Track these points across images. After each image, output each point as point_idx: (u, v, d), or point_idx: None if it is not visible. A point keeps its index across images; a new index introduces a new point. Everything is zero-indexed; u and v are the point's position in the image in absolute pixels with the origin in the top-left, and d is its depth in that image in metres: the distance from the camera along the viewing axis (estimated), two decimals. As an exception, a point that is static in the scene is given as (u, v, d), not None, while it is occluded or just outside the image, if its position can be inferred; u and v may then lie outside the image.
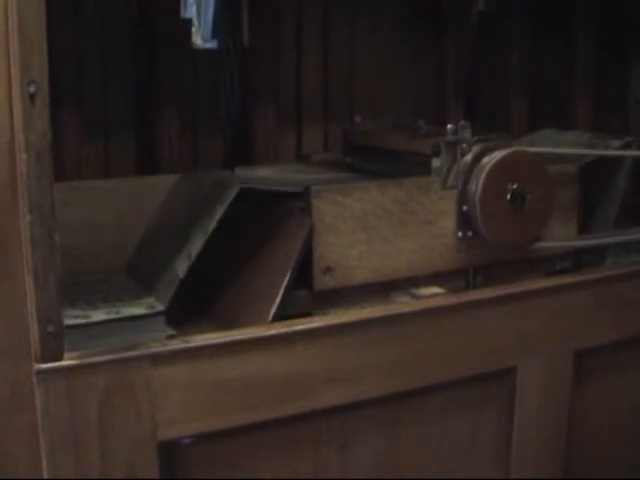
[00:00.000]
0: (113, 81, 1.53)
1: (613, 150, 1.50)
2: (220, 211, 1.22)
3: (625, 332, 1.42)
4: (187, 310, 1.26)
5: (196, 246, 1.23)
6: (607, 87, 2.03)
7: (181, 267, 1.23)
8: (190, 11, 1.67)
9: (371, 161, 1.50)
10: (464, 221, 1.32)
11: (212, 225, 1.22)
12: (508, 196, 1.31)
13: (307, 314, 1.23)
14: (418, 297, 1.29)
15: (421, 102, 1.82)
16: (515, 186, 1.31)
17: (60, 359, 1.00)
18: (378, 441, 1.25)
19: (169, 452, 1.08)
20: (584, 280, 1.38)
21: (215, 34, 1.72)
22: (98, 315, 1.18)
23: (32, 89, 0.93)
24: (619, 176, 1.53)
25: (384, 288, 1.30)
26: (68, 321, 1.07)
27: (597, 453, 1.47)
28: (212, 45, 1.73)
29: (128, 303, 1.23)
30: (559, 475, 1.39)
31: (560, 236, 1.42)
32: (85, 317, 1.17)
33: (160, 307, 1.20)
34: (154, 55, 1.55)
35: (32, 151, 0.94)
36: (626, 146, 1.51)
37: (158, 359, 1.04)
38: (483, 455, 1.34)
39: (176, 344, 1.06)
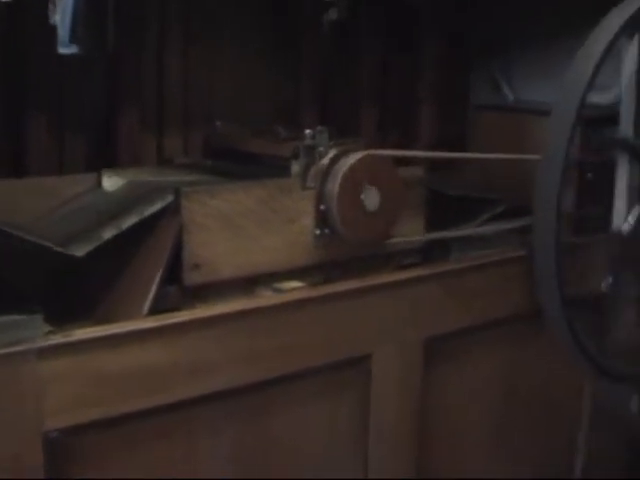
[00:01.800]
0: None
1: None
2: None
3: (471, 320, 1.55)
4: (67, 313, 1.28)
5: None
6: (450, 95, 2.16)
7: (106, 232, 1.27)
8: (55, 17, 1.69)
9: (232, 164, 1.57)
10: (322, 220, 1.41)
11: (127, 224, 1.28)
12: (362, 196, 1.40)
13: (177, 309, 1.28)
14: (281, 291, 1.37)
15: (277, 108, 1.90)
16: (368, 187, 1.40)
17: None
18: (245, 428, 1.33)
19: (53, 443, 1.12)
20: (432, 273, 1.50)
21: (74, 39, 1.75)
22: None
23: None
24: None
25: (249, 283, 1.38)
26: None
27: (449, 432, 1.59)
28: (70, 50, 1.75)
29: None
30: (413, 456, 1.50)
31: (409, 233, 1.53)
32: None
33: (36, 310, 1.23)
34: (24, 59, 1.58)
35: None
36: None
37: (43, 353, 1.09)
38: (343, 439, 1.44)
39: (59, 338, 1.11)
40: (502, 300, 1.60)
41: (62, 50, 1.59)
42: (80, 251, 1.24)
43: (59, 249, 1.24)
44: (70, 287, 1.31)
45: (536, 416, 1.76)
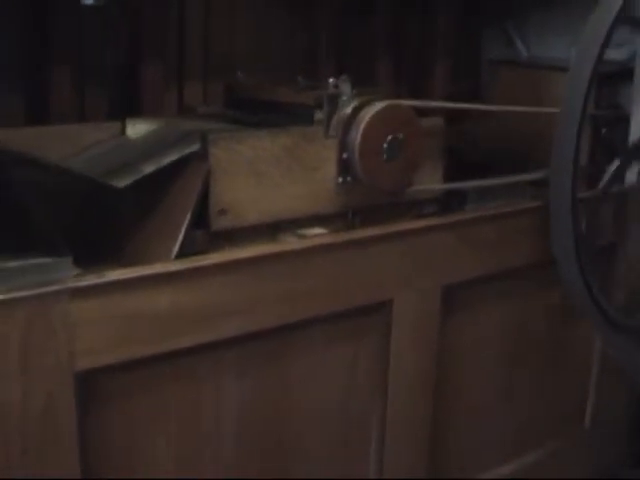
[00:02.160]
0: (2, 33, 1.55)
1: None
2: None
3: (486, 269, 1.57)
4: (94, 254, 1.31)
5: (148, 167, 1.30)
6: (463, 52, 2.18)
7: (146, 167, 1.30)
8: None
9: (254, 113, 1.58)
10: (344, 168, 1.44)
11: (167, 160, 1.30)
12: (384, 145, 1.43)
13: (204, 253, 1.31)
14: (303, 237, 1.40)
15: (294, 59, 1.92)
16: (390, 136, 1.42)
17: (-19, 296, 1.05)
18: (270, 370, 1.35)
19: (85, 381, 1.15)
20: (449, 222, 1.52)
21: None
22: (5, 262, 1.22)
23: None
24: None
25: (273, 229, 1.40)
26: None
27: (463, 377, 1.63)
28: (88, 1, 1.76)
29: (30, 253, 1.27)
30: (430, 398, 1.53)
31: (428, 182, 1.55)
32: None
33: (65, 253, 1.25)
34: (47, 9, 1.59)
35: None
36: None
37: (75, 293, 1.11)
38: (363, 381, 1.47)
39: (91, 279, 1.13)
40: (516, 250, 1.62)
41: (84, 1, 1.61)
42: (121, 183, 1.26)
43: (101, 180, 1.26)
44: (97, 228, 1.33)
45: (547, 364, 1.79)
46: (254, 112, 1.58)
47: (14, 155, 1.37)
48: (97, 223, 1.37)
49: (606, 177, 1.76)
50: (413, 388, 1.51)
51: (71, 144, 1.47)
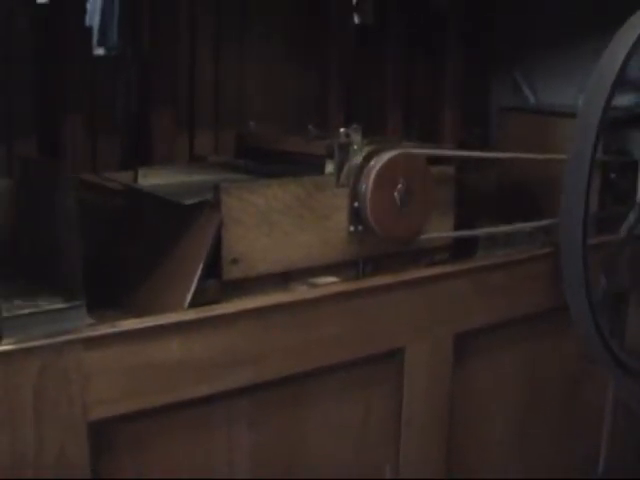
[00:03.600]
0: (17, 84, 1.57)
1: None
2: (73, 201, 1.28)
3: (498, 316, 1.57)
4: (99, 304, 1.32)
5: (74, 243, 1.28)
6: (472, 99, 2.19)
7: (75, 263, 1.27)
8: (91, 19, 1.73)
9: (264, 163, 1.60)
10: (355, 216, 1.44)
11: (74, 217, 1.27)
12: (395, 194, 1.43)
13: (216, 302, 1.31)
14: (315, 286, 1.40)
15: (305, 108, 1.93)
16: (401, 185, 1.43)
17: (-2, 344, 1.06)
18: (282, 419, 1.35)
19: (98, 432, 1.15)
20: (461, 269, 1.52)
21: (103, 42, 1.79)
22: (19, 309, 1.23)
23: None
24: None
25: (285, 278, 1.41)
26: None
27: (476, 425, 1.62)
28: (100, 52, 1.79)
29: (44, 298, 1.28)
30: (443, 446, 1.53)
31: (439, 230, 1.56)
32: (7, 310, 1.20)
33: (79, 300, 1.26)
34: (60, 60, 1.61)
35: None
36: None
37: (89, 343, 1.11)
38: (375, 431, 1.47)
39: (105, 328, 1.14)
40: (528, 297, 1.62)
41: (97, 51, 1.63)
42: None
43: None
44: (109, 273, 1.33)
45: (561, 411, 1.78)
46: (265, 162, 1.59)
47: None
48: (109, 268, 1.37)
49: (625, 227, 1.76)
50: (426, 436, 1.51)
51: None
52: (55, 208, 1.32)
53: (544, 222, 1.67)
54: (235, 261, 1.33)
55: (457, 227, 1.62)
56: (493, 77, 2.25)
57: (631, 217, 1.75)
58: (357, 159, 1.44)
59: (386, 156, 1.43)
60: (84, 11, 1.60)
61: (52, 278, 1.33)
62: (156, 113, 1.73)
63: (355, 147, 1.44)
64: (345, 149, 1.43)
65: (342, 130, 1.44)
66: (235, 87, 1.82)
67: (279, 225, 1.38)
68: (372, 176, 1.42)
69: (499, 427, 1.68)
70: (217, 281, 1.33)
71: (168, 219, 1.38)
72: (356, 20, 1.95)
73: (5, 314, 1.17)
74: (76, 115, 1.65)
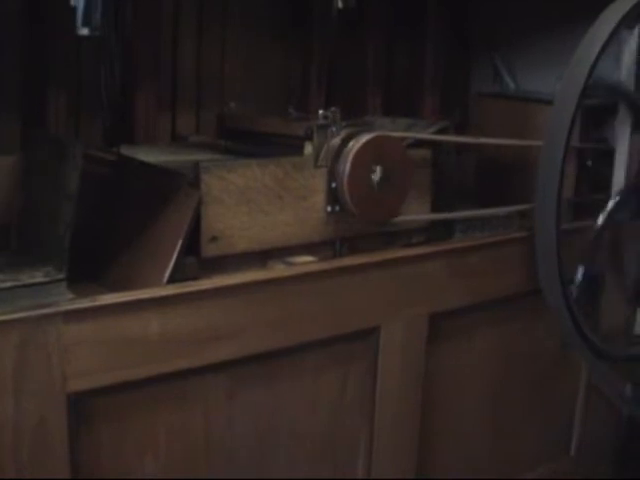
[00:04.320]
0: (2, 63, 1.58)
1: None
2: (76, 172, 1.31)
3: (472, 298, 1.60)
4: (78, 277, 1.34)
5: (69, 212, 1.31)
6: (452, 84, 2.22)
7: (64, 234, 1.31)
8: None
9: (244, 143, 1.62)
10: (333, 197, 1.47)
11: (74, 186, 1.31)
12: (372, 175, 1.46)
13: (194, 279, 1.33)
14: (292, 264, 1.43)
15: (285, 90, 1.95)
16: (379, 166, 1.46)
17: (-23, 318, 1.08)
18: (260, 393, 1.38)
19: (77, 404, 1.17)
20: (437, 251, 1.54)
21: (87, 22, 1.80)
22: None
23: None
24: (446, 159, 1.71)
25: (262, 257, 1.43)
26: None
27: (450, 404, 1.65)
28: (84, 32, 1.80)
29: (26, 272, 1.30)
30: (416, 422, 1.55)
31: (416, 212, 1.58)
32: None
33: (60, 274, 1.28)
34: (44, 39, 1.63)
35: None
36: (440, 131, 1.69)
37: (69, 316, 1.13)
38: (350, 407, 1.49)
39: (85, 302, 1.15)
40: (503, 279, 1.65)
41: (81, 31, 1.64)
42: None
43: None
44: (90, 249, 1.35)
45: (533, 392, 1.81)
46: (245, 142, 1.61)
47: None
48: (91, 241, 1.39)
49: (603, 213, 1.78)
50: (399, 413, 1.54)
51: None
52: (58, 182, 1.34)
53: (520, 207, 1.69)
54: (214, 239, 1.36)
55: (434, 211, 1.64)
56: (473, 63, 2.27)
57: (610, 204, 1.78)
58: (335, 141, 1.45)
59: (364, 138, 1.45)
60: (67, -10, 1.60)
61: (39, 252, 1.35)
62: (138, 93, 1.75)
63: (334, 129, 1.46)
64: (324, 131, 1.46)
65: (321, 112, 1.46)
66: (217, 68, 1.84)
67: (258, 204, 1.40)
68: (350, 157, 1.44)
69: (472, 406, 1.70)
70: (196, 258, 1.35)
71: (150, 194, 1.40)
72: (339, 4, 1.96)
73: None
74: (60, 94, 1.67)
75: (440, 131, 1.68)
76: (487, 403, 1.73)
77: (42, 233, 1.38)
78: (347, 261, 1.44)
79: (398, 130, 1.66)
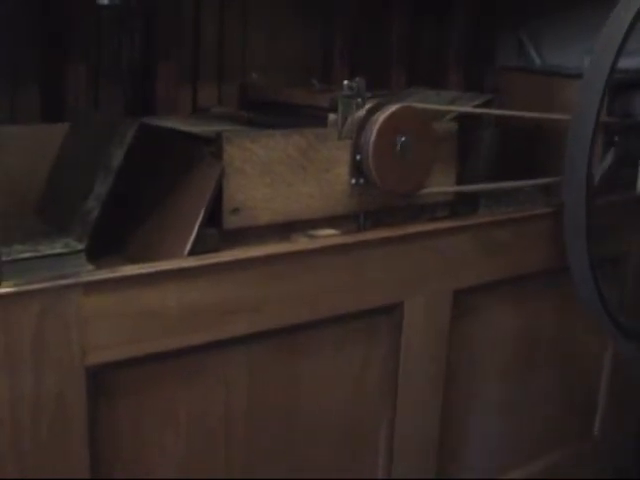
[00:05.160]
0: (23, 32, 1.56)
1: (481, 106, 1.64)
2: (122, 151, 1.31)
3: (498, 273, 1.57)
4: (100, 249, 1.32)
5: (105, 186, 1.30)
6: (477, 58, 2.18)
7: (94, 207, 1.30)
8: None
9: (267, 115, 1.59)
10: (357, 169, 1.44)
11: (117, 163, 1.30)
12: (397, 147, 1.43)
13: (216, 251, 1.31)
14: (315, 237, 1.40)
15: (308, 63, 1.93)
16: (403, 138, 1.43)
17: (-2, 287, 1.06)
18: (280, 368, 1.36)
19: (95, 377, 1.16)
20: (461, 225, 1.52)
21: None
22: (19, 253, 1.23)
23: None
24: (482, 133, 1.68)
25: (285, 229, 1.41)
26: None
27: (474, 381, 1.63)
28: (104, 1, 1.78)
29: (46, 243, 1.28)
30: (439, 400, 1.53)
31: (441, 185, 1.56)
32: (7, 254, 1.21)
33: (79, 246, 1.27)
34: (64, 9, 1.60)
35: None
36: (485, 104, 1.66)
37: (89, 287, 1.11)
38: (372, 382, 1.47)
39: (105, 274, 1.14)
40: (529, 255, 1.62)
41: (101, 1, 1.62)
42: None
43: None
44: (107, 218, 1.33)
45: (558, 370, 1.79)
46: (268, 113, 1.58)
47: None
48: (113, 210, 1.37)
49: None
50: (423, 390, 1.52)
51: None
52: (98, 157, 1.33)
53: (546, 180, 1.66)
54: (236, 210, 1.33)
55: (459, 184, 1.62)
56: (499, 37, 2.23)
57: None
58: (360, 112, 1.43)
59: (389, 110, 1.42)
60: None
61: (61, 224, 1.33)
62: (160, 64, 1.73)
63: (359, 100, 1.43)
64: (348, 101, 1.43)
65: (346, 82, 1.43)
66: (239, 40, 1.81)
67: (281, 176, 1.37)
68: (375, 129, 1.41)
69: (496, 384, 1.68)
70: (217, 230, 1.33)
71: (171, 165, 1.38)
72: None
73: (4, 258, 1.17)
74: (79, 65, 1.65)
75: (484, 104, 1.65)
76: (511, 379, 1.71)
77: (68, 205, 1.36)
78: (371, 235, 1.42)
79: (442, 103, 1.63)
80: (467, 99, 1.66)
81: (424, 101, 1.65)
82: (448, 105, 1.63)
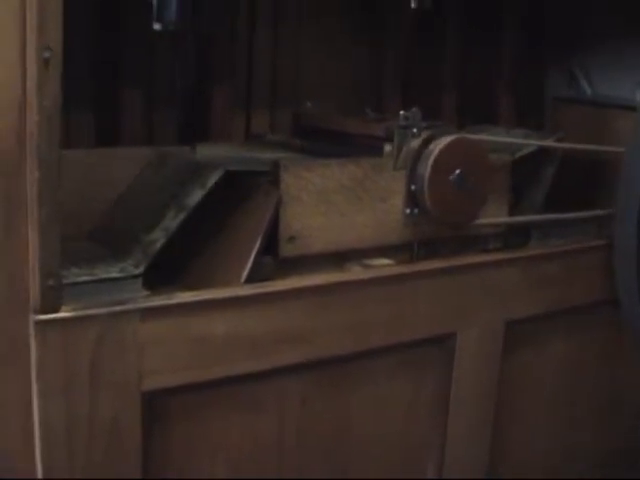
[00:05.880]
0: (78, 55, 1.58)
1: (545, 142, 1.64)
2: (201, 193, 1.33)
3: (549, 305, 1.56)
4: (157, 277, 1.32)
5: (175, 221, 1.32)
6: (527, 86, 2.18)
7: (158, 239, 1.31)
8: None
9: (321, 143, 1.59)
10: (412, 200, 1.44)
11: (193, 203, 1.32)
12: (452, 178, 1.43)
13: (270, 279, 1.31)
14: (369, 267, 1.40)
15: (360, 91, 1.93)
16: (458, 170, 1.43)
17: (58, 311, 1.07)
18: (332, 398, 1.36)
19: (151, 402, 1.16)
20: (513, 257, 1.52)
21: (160, 18, 1.79)
22: (75, 277, 1.24)
23: (47, 54, 1.00)
24: (547, 168, 1.67)
25: (339, 258, 1.40)
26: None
27: (523, 413, 1.62)
28: (157, 27, 1.79)
29: (101, 267, 1.29)
30: (489, 430, 1.52)
31: (494, 217, 1.55)
32: (65, 277, 1.21)
33: (136, 271, 1.27)
34: (119, 33, 1.62)
35: (44, 113, 1.01)
36: (557, 141, 1.66)
37: (146, 313, 1.12)
38: (423, 413, 1.47)
39: (163, 300, 1.15)
40: (580, 288, 1.61)
41: (155, 26, 1.63)
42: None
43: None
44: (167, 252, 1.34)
45: (606, 403, 1.77)
46: (322, 142, 1.59)
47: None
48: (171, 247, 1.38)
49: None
50: (473, 423, 1.51)
51: (138, 166, 1.50)
52: (178, 192, 1.36)
53: (597, 212, 1.65)
54: (292, 239, 1.33)
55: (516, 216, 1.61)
56: (549, 68, 2.23)
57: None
58: (416, 142, 1.43)
59: (445, 140, 1.42)
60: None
61: (120, 250, 1.34)
62: (213, 90, 1.74)
63: (414, 130, 1.43)
64: (404, 132, 1.43)
65: (402, 113, 1.43)
66: (292, 68, 1.82)
67: (336, 205, 1.37)
68: (431, 160, 1.41)
69: (544, 414, 1.67)
70: (273, 258, 1.33)
71: (229, 192, 1.38)
72: (413, 4, 1.93)
73: (64, 281, 1.17)
74: (134, 90, 1.66)
75: (556, 142, 1.65)
76: (558, 411, 1.70)
77: (128, 235, 1.37)
78: (424, 265, 1.42)
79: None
80: (539, 137, 1.66)
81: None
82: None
